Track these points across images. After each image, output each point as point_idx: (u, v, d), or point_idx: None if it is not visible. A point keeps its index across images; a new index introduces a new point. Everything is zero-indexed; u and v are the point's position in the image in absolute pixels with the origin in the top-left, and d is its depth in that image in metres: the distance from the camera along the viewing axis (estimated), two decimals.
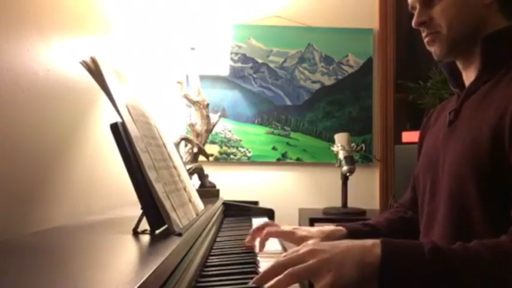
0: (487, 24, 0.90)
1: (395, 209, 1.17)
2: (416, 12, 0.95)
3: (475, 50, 0.90)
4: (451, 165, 0.87)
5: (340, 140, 2.18)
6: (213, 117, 1.90)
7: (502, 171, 0.77)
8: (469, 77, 0.95)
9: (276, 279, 0.65)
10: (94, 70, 0.73)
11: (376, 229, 1.06)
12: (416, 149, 1.14)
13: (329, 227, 1.04)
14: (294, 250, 0.72)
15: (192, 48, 1.85)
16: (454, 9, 0.90)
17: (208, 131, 1.88)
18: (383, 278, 0.65)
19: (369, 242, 0.69)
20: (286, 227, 1.05)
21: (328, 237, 0.99)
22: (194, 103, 1.86)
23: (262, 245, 1.02)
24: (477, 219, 0.80)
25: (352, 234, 1.01)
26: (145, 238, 0.72)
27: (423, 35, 0.96)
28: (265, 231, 1.02)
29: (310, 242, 0.74)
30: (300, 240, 0.98)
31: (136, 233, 0.74)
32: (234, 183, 2.34)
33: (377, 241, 0.68)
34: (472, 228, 0.81)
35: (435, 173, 0.94)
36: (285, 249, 1.07)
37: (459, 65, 0.97)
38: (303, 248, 0.70)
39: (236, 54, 2.42)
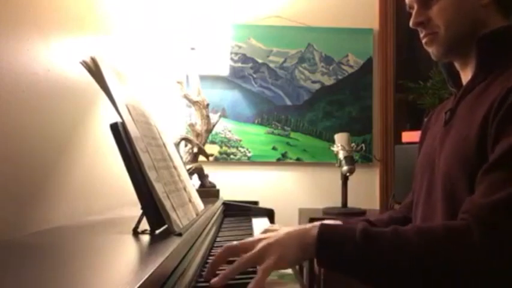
0: (485, 24, 0.89)
1: (400, 209, 1.18)
2: (414, 13, 0.95)
3: (472, 50, 0.90)
4: (445, 164, 0.88)
5: (340, 140, 2.18)
6: (213, 117, 1.90)
7: None
8: (466, 77, 0.95)
9: (228, 269, 0.73)
10: (94, 70, 0.73)
11: (373, 225, 1.06)
12: (417, 149, 1.14)
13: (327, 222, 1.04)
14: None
15: (192, 48, 1.85)
16: (451, 10, 0.90)
17: (208, 131, 1.88)
18: (319, 257, 0.74)
19: (309, 225, 0.78)
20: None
21: None
22: (194, 103, 1.86)
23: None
24: None
25: None
26: (145, 238, 0.72)
27: (421, 35, 0.96)
28: None
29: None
30: None
31: (136, 233, 0.74)
32: (234, 183, 2.34)
33: (316, 224, 0.77)
34: None
35: (431, 172, 0.94)
36: None
37: (457, 65, 0.97)
38: (252, 238, 0.80)
39: (236, 54, 2.42)
